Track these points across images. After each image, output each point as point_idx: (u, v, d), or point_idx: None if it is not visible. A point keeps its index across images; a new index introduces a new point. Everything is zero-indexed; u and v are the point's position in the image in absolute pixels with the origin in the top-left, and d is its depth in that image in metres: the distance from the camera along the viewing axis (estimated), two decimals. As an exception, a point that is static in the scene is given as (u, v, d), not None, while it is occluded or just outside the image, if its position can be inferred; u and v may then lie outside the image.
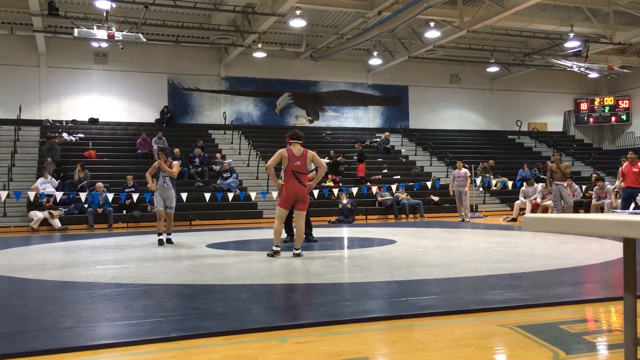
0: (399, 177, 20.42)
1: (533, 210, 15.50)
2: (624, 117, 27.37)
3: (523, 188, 16.87)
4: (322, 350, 3.24)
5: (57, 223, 14.78)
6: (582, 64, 22.08)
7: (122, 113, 21.84)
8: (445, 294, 4.85)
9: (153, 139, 19.47)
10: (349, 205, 16.61)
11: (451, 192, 15.52)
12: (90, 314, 4.30)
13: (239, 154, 20.78)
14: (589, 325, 3.94)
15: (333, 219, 16.55)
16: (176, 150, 18.61)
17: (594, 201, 15.03)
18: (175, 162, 9.88)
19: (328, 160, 19.30)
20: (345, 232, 12.59)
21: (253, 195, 17.03)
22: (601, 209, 14.51)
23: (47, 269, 7.04)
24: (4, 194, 14.57)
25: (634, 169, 11.87)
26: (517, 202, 16.47)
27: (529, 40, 22.81)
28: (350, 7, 17.98)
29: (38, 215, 14.68)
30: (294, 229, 8.01)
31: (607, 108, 27.59)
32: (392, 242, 9.62)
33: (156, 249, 9.04)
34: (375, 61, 23.37)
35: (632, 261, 2.52)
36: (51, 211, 14.88)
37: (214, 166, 18.97)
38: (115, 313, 4.29)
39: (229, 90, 23.44)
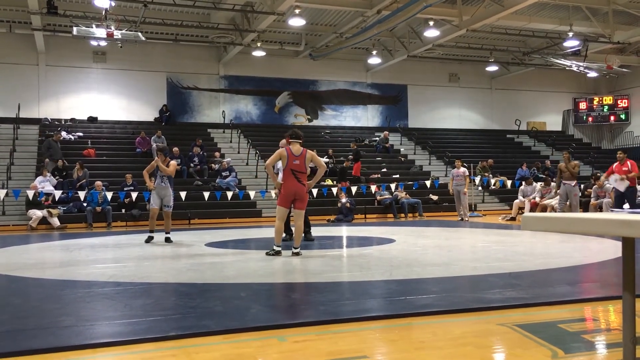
0: (398, 176, 20.42)
1: (532, 210, 15.52)
2: (622, 116, 27.39)
3: (522, 187, 16.89)
4: (321, 349, 3.24)
5: (56, 222, 14.77)
6: (581, 63, 22.10)
7: (121, 112, 21.83)
8: (444, 293, 4.85)
9: (152, 138, 19.45)
10: (348, 204, 16.62)
11: (450, 191, 15.55)
12: (89, 313, 4.30)
13: (238, 152, 20.77)
14: (588, 324, 3.94)
15: (332, 217, 16.56)
16: (175, 149, 18.61)
17: (592, 200, 15.05)
18: (173, 162, 9.89)
19: (327, 160, 19.32)
20: (344, 231, 12.60)
21: (252, 194, 17.03)
22: (600, 208, 14.53)
23: (46, 268, 7.04)
24: (2, 192, 14.56)
25: (624, 168, 12.01)
26: (516, 201, 16.49)
27: (528, 39, 22.81)
28: (350, 6, 17.98)
29: (37, 213, 14.67)
30: (293, 228, 8.02)
31: (606, 107, 27.61)
32: (391, 241, 9.62)
33: (155, 247, 9.04)
34: (374, 60, 23.37)
35: (631, 260, 2.52)
36: (50, 210, 14.87)
37: (213, 165, 18.96)
38: (114, 312, 4.29)
39: (228, 89, 23.43)
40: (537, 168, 20.99)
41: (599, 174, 16.15)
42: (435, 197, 18.84)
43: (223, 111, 23.03)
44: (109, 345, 3.36)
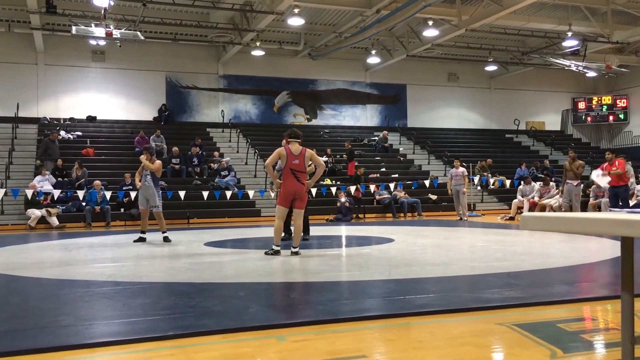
0: (397, 175, 20.42)
1: (531, 209, 15.53)
2: (621, 116, 27.40)
3: (521, 187, 16.90)
4: (320, 349, 3.24)
5: (54, 221, 14.76)
6: (580, 63, 22.09)
7: (120, 111, 21.81)
8: (443, 292, 4.86)
9: (151, 137, 19.45)
10: (347, 204, 16.62)
11: (449, 191, 15.55)
12: (88, 312, 4.30)
13: (237, 152, 20.77)
14: (587, 323, 3.95)
15: (331, 217, 16.57)
16: (175, 148, 18.61)
17: (591, 200, 15.06)
18: (158, 161, 9.90)
19: (326, 159, 19.31)
20: (343, 231, 12.60)
21: (251, 193, 17.03)
22: (598, 208, 14.54)
23: (44, 267, 7.03)
24: (1, 191, 14.54)
25: (613, 168, 12.16)
26: (515, 200, 16.50)
27: (527, 39, 22.81)
28: (349, 6, 17.98)
29: (36, 213, 14.66)
30: (292, 228, 8.01)
31: (605, 107, 27.62)
32: (390, 240, 9.62)
33: (153, 247, 9.04)
34: (373, 60, 23.36)
35: (629, 260, 2.52)
36: (49, 209, 14.86)
37: (212, 164, 18.95)
38: (113, 311, 4.29)
39: (227, 88, 23.41)
40: (536, 168, 21.00)
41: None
42: (434, 197, 18.85)
43: (222, 111, 23.02)
44: (108, 345, 3.36)
